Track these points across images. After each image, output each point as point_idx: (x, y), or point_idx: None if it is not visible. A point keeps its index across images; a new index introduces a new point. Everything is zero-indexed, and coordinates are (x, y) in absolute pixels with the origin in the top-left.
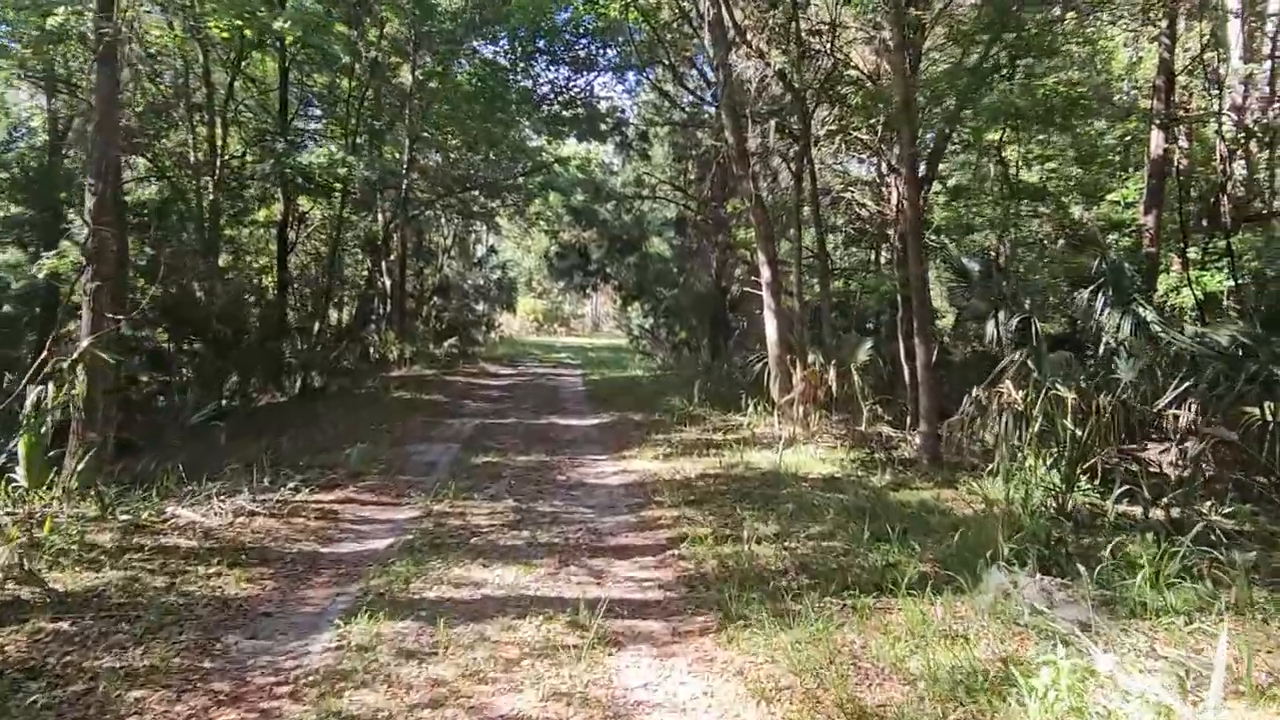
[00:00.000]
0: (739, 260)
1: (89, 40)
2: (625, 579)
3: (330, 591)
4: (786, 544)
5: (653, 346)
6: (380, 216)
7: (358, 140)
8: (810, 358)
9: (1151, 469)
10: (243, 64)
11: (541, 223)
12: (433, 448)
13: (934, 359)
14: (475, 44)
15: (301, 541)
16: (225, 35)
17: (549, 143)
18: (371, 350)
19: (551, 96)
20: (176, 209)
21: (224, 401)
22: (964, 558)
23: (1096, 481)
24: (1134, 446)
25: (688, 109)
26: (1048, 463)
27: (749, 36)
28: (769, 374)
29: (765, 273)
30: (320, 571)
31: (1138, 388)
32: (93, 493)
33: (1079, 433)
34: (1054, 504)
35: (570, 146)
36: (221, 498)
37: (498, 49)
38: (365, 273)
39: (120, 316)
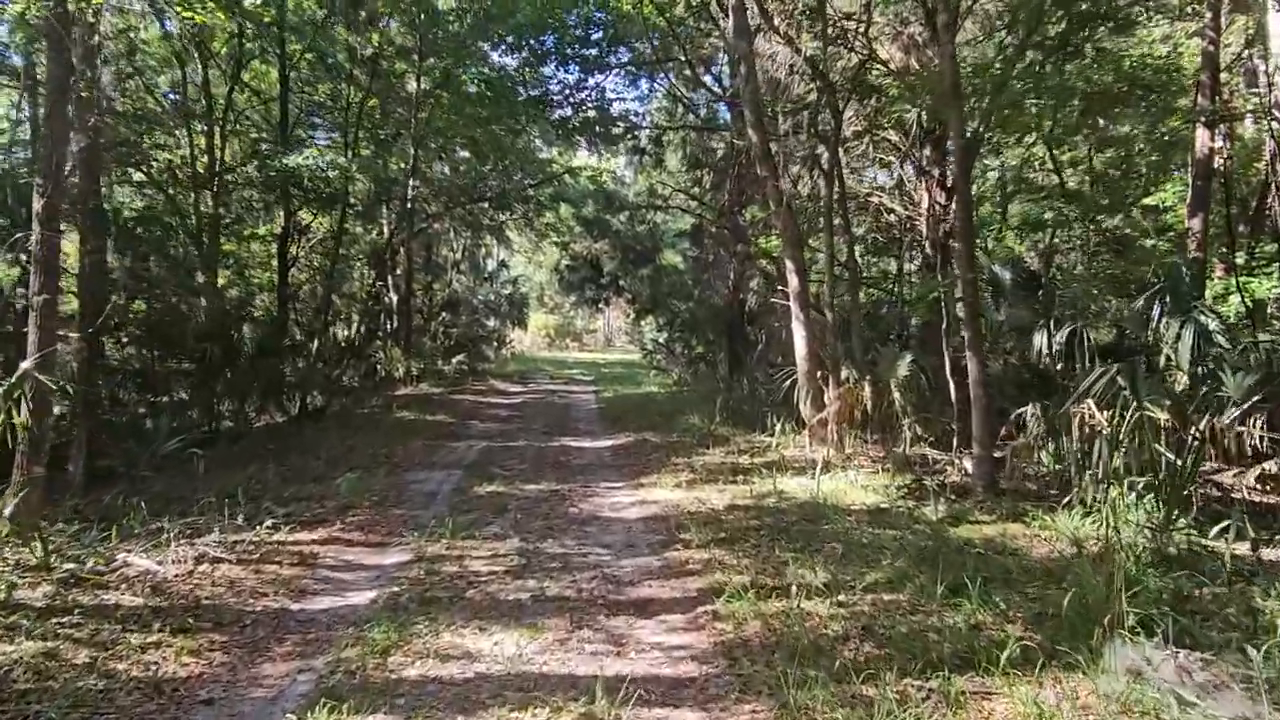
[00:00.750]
0: (757, 271)
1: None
2: (651, 646)
3: (291, 667)
4: (842, 598)
5: (668, 361)
6: (385, 229)
7: (360, 148)
8: (843, 373)
9: (1233, 494)
10: (243, 74)
11: (553, 234)
12: (433, 475)
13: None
14: (483, 45)
15: (269, 596)
16: (199, 18)
17: (559, 153)
18: (378, 367)
19: (561, 99)
20: (167, 221)
21: (214, 424)
22: (1068, 619)
23: (1186, 513)
24: (1211, 469)
25: (702, 113)
26: (1137, 494)
27: (776, 22)
28: (798, 391)
29: (793, 281)
30: (284, 638)
31: (1204, 402)
32: (35, 537)
33: (1175, 459)
34: (1151, 543)
35: (581, 158)
36: (185, 540)
37: (504, 53)
38: (371, 288)
39: (72, 334)
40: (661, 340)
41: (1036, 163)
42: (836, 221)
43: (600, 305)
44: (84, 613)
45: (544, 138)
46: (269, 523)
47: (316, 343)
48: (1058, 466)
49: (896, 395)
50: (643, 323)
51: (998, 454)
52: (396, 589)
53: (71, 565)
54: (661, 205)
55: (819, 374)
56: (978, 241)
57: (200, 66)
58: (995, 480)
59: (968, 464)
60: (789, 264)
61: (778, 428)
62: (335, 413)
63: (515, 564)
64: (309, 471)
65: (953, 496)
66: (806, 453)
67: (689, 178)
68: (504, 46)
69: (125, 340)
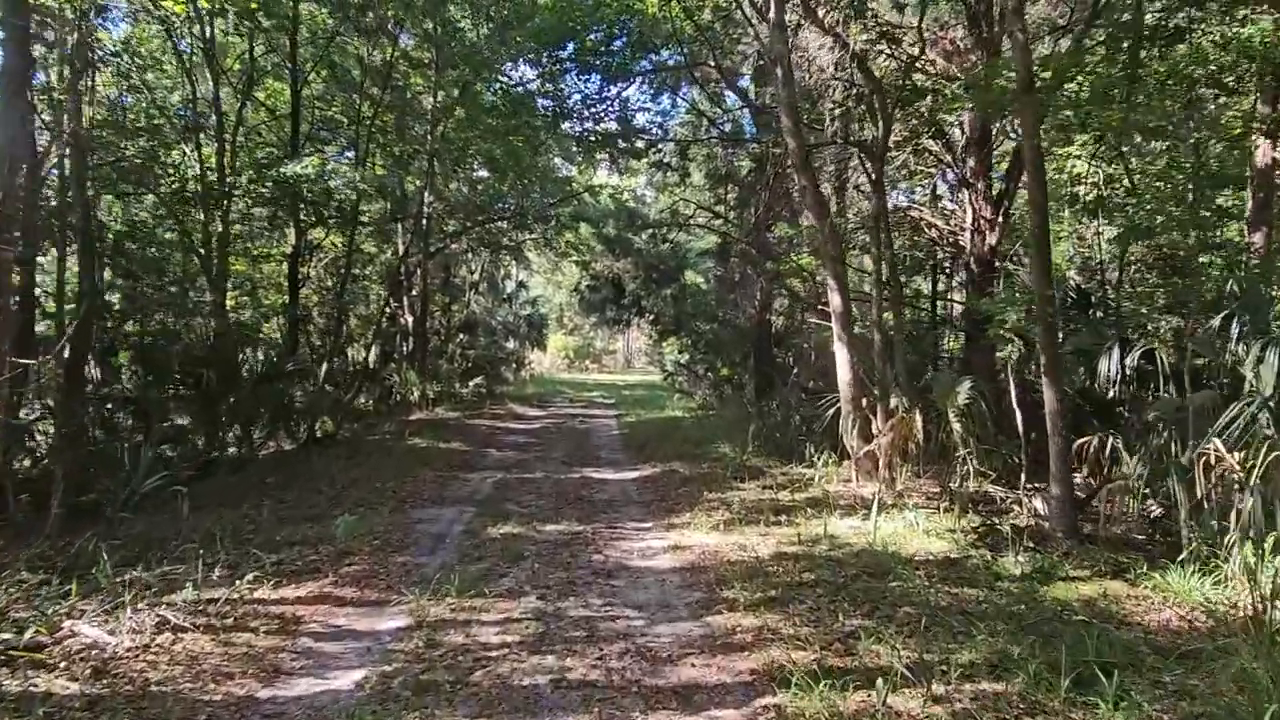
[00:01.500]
0: (784, 291)
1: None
2: None
3: None
4: (936, 688)
5: (691, 384)
6: (401, 248)
7: (374, 163)
8: (892, 400)
9: None
10: (255, 90)
11: (573, 253)
12: (443, 513)
13: (1063, 403)
14: (500, 55)
15: (234, 679)
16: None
17: (580, 171)
18: (393, 391)
19: (581, 110)
20: (164, 237)
21: (214, 454)
22: None
23: None
24: None
25: (727, 127)
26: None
27: (820, 13)
28: (842, 420)
29: (834, 299)
30: None
31: None
32: None
33: None
34: None
35: (602, 176)
36: (151, 598)
37: (523, 64)
38: (386, 309)
39: (27, 361)
40: (683, 362)
41: (1079, 174)
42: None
43: (622, 326)
44: (4, 704)
45: (563, 155)
46: (251, 575)
47: (326, 366)
48: (1154, 511)
49: (956, 426)
50: (664, 344)
51: (1085, 495)
52: (389, 667)
53: (8, 635)
54: (685, 223)
55: (864, 400)
56: (1014, 260)
57: (211, 82)
58: (1077, 525)
59: (1038, 504)
60: (830, 281)
61: (819, 459)
62: (345, 439)
63: (531, 632)
64: (308, 508)
65: (1030, 544)
66: (853, 488)
67: (713, 195)
68: (522, 58)
69: (119, 366)
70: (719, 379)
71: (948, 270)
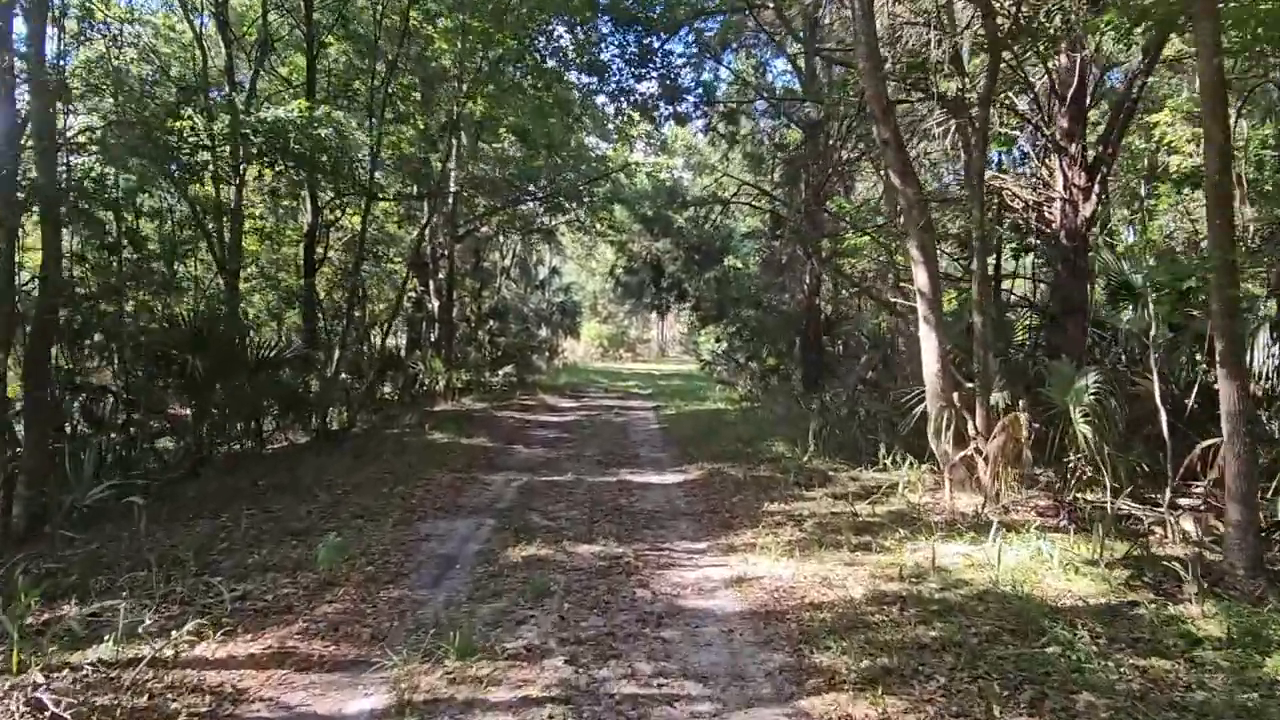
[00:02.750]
0: (838, 274)
1: None
2: None
3: None
4: None
5: (732, 374)
6: (426, 230)
7: (390, 130)
8: (994, 395)
9: None
10: (268, 59)
11: (610, 233)
12: (456, 526)
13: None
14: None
15: None
16: None
17: (616, 150)
18: (418, 380)
19: (620, 69)
20: (154, 207)
21: (206, 450)
22: None
23: None
24: None
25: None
26: None
27: None
28: (933, 420)
29: (920, 276)
30: None
31: None
32: None
33: None
34: None
35: (638, 155)
36: (55, 653)
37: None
38: (411, 293)
39: None
40: (721, 351)
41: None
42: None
43: (662, 311)
44: None
45: (599, 133)
46: (193, 624)
47: (339, 352)
48: None
49: (1084, 428)
50: (701, 333)
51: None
52: None
53: None
54: (728, 201)
55: (956, 395)
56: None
57: (225, 50)
58: (1261, 559)
59: (1189, 526)
60: (915, 254)
61: (902, 465)
62: (361, 433)
63: None
64: (297, 519)
65: (1204, 581)
66: (945, 501)
67: (756, 173)
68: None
69: (93, 353)
70: (764, 369)
71: (1018, 246)
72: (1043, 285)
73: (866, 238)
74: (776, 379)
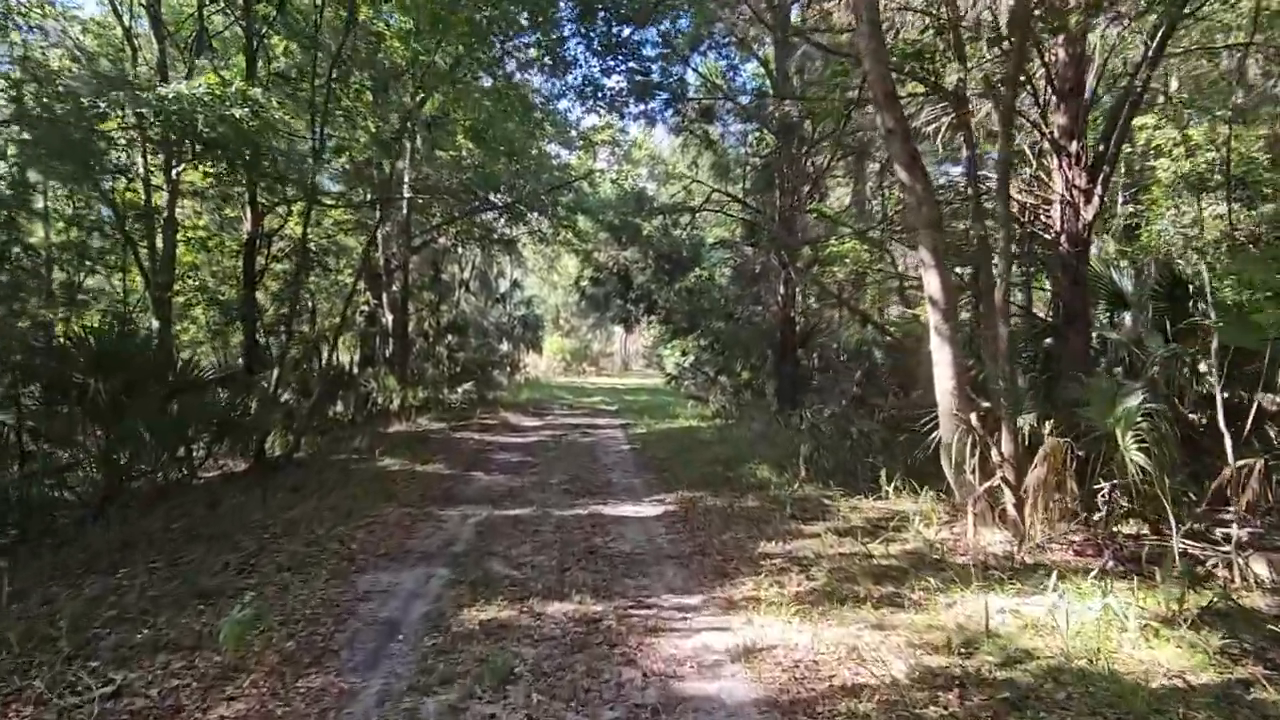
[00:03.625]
0: (814, 284)
1: None
2: None
3: None
4: None
5: (702, 389)
6: (380, 240)
7: (343, 138)
8: (1020, 420)
9: None
10: (200, 58)
11: (574, 240)
12: (402, 580)
13: None
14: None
15: None
16: None
17: (579, 160)
18: (373, 398)
19: (588, 58)
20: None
21: (120, 483)
22: None
23: None
24: None
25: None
26: None
27: None
28: (948, 444)
29: (932, 282)
30: None
31: None
32: None
33: None
34: None
35: (602, 163)
36: None
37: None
38: (363, 307)
39: None
40: (687, 365)
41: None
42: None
43: (631, 323)
44: None
45: (561, 139)
46: None
47: (277, 371)
48: None
49: (1137, 456)
50: (666, 346)
51: None
52: None
53: None
54: (699, 208)
55: (972, 417)
56: (1115, 237)
57: (157, 46)
58: None
59: (1260, 568)
60: (925, 256)
61: (906, 493)
62: (306, 459)
63: None
64: (211, 574)
65: None
66: (968, 538)
67: (725, 181)
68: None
69: None
70: (738, 384)
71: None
72: (1037, 293)
73: (849, 245)
74: (750, 394)
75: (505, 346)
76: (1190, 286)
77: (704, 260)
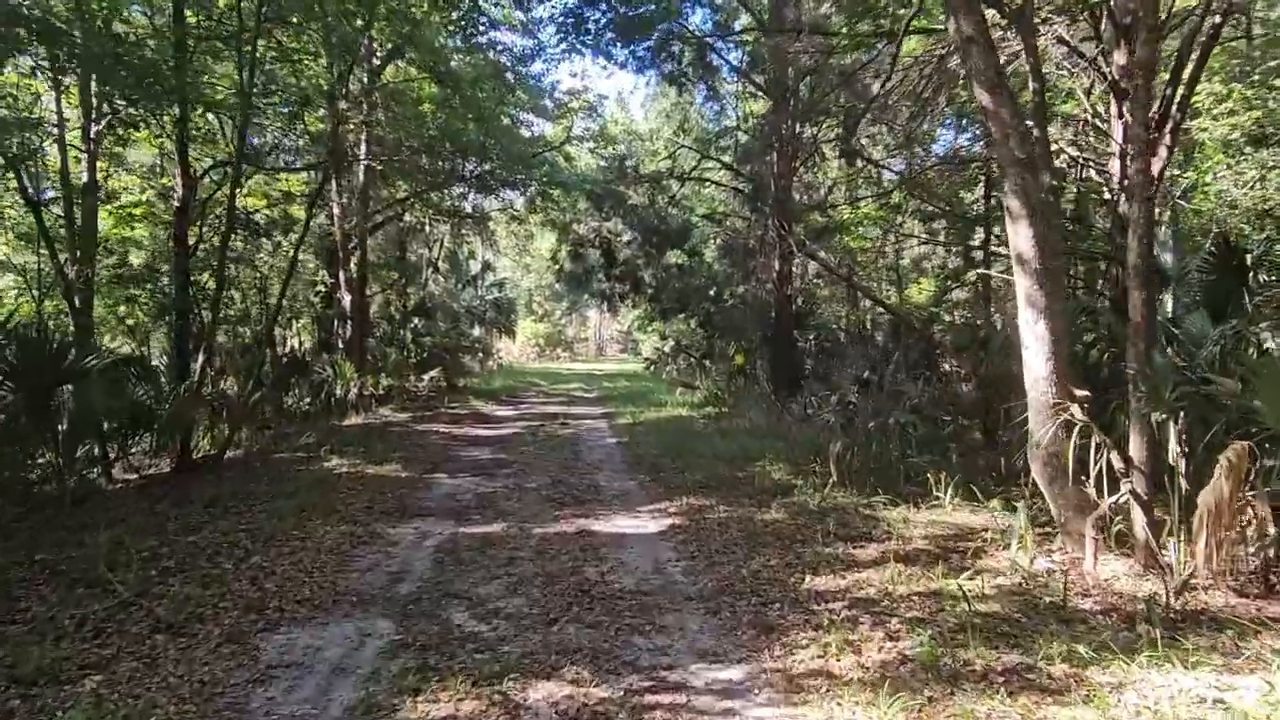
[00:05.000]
0: (812, 258)
1: None
2: None
3: None
4: None
5: (685, 374)
6: (336, 213)
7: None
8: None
9: None
10: None
11: (552, 205)
12: (323, 642)
13: None
14: None
15: None
16: None
17: (556, 126)
18: (326, 387)
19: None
20: None
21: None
22: None
23: None
24: None
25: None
26: None
27: None
28: (1039, 443)
29: (1021, 236)
30: None
31: None
32: None
33: None
34: None
35: (580, 126)
36: None
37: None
38: (322, 287)
39: None
40: (667, 349)
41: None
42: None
43: (614, 303)
44: None
45: (533, 107)
46: None
47: (201, 357)
48: None
49: None
50: (646, 329)
51: None
52: None
53: None
54: (687, 176)
55: (1073, 410)
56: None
57: None
58: None
59: None
60: (1013, 204)
61: (982, 507)
62: (242, 458)
63: None
64: (45, 641)
65: None
66: (1086, 570)
67: (706, 153)
68: None
69: None
70: (733, 368)
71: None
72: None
73: (864, 209)
74: (743, 380)
75: (477, 331)
76: (1249, 256)
77: (694, 234)
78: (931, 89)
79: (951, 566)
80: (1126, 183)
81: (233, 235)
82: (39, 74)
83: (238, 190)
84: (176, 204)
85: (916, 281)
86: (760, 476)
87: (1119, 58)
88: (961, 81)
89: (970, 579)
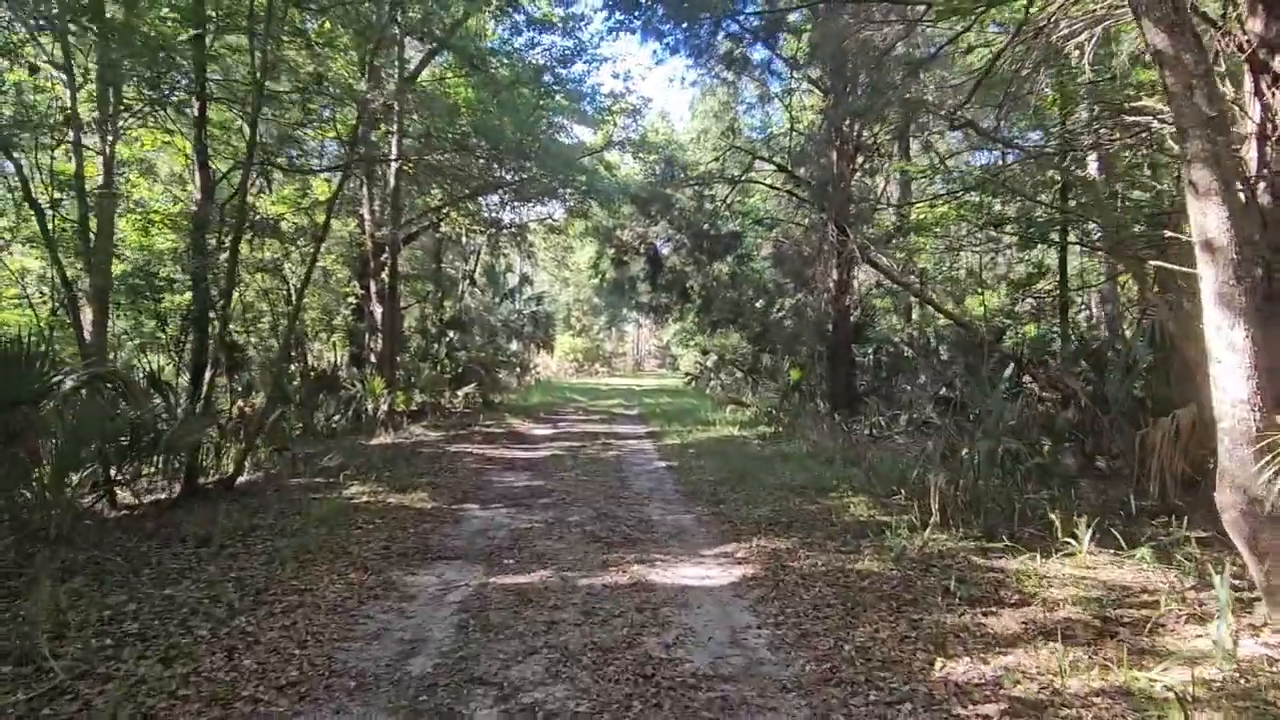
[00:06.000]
0: (874, 264)
1: None
2: None
3: None
4: None
5: (730, 390)
6: (367, 219)
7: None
8: None
9: None
10: None
11: (595, 209)
12: None
13: None
14: None
15: None
16: None
17: (600, 132)
18: (355, 403)
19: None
20: None
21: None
22: None
23: None
24: None
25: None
26: None
27: None
28: (1236, 477)
29: (1211, 217)
30: None
31: None
32: None
33: None
34: None
35: (622, 131)
36: None
37: None
38: (353, 299)
39: None
40: (709, 364)
41: None
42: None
43: (661, 314)
44: None
45: (575, 115)
46: None
47: (210, 371)
48: None
49: None
50: (689, 344)
51: None
52: None
53: None
54: (739, 179)
55: None
56: None
57: None
58: None
59: None
60: (1198, 177)
61: (1129, 556)
62: (258, 482)
63: None
64: None
65: None
66: None
67: (771, 147)
68: None
69: None
70: (786, 385)
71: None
72: None
73: (940, 209)
74: (798, 397)
75: (515, 346)
76: None
77: (747, 240)
78: (1031, 64)
79: (1128, 647)
80: (1267, 171)
81: (254, 242)
82: (50, 63)
83: (261, 195)
84: (194, 207)
85: (977, 292)
86: (837, 510)
87: (1255, 25)
88: (1064, 57)
89: (1163, 669)
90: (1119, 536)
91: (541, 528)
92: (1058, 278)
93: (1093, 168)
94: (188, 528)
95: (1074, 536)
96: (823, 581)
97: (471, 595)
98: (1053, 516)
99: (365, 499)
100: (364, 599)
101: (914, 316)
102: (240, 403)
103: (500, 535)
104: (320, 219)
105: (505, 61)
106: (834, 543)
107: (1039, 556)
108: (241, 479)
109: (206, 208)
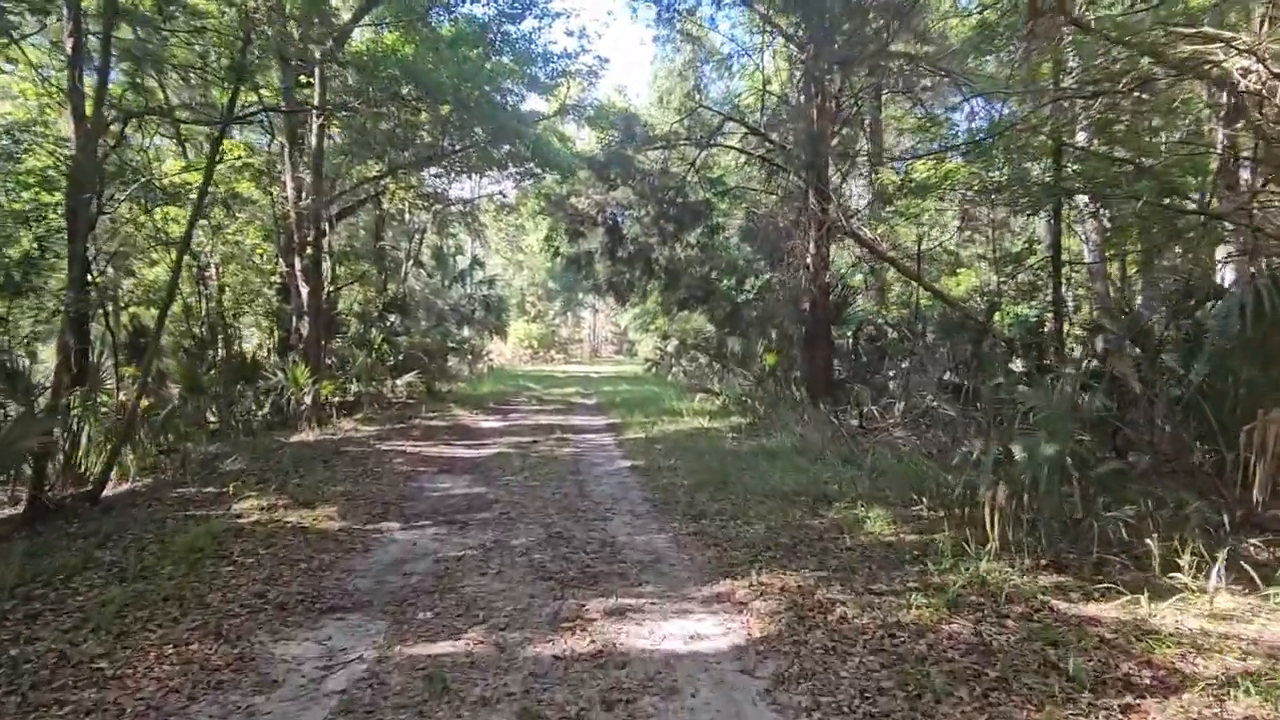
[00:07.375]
0: (856, 236)
1: None
2: None
3: None
4: None
5: (694, 377)
6: (290, 186)
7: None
8: None
9: None
10: None
11: (547, 180)
12: None
13: None
14: None
15: None
16: None
17: (555, 97)
18: (277, 393)
19: None
20: None
21: None
22: None
23: None
24: None
25: None
26: None
27: None
28: None
29: None
30: None
31: None
32: None
33: None
34: None
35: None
36: None
37: None
38: (278, 278)
39: None
40: (670, 349)
41: None
42: None
43: (624, 293)
44: None
45: (524, 80)
46: None
47: (59, 357)
48: None
49: None
50: (647, 328)
51: None
52: None
53: None
54: (707, 143)
55: None
56: None
57: None
58: None
59: None
60: None
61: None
62: (130, 494)
63: None
64: None
65: None
66: None
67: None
68: None
69: None
70: (761, 371)
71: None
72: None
73: (947, 168)
74: (774, 384)
75: (466, 332)
76: None
77: (716, 212)
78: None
79: None
80: None
81: (149, 208)
82: None
83: (166, 157)
84: (70, 156)
85: (954, 273)
86: (849, 527)
87: None
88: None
89: None
90: (1252, 573)
91: (476, 557)
92: (1050, 253)
93: (1080, 137)
94: (2, 568)
95: (1175, 567)
96: (863, 646)
97: (362, 679)
98: (1149, 541)
99: (256, 517)
100: (199, 692)
101: (889, 296)
102: (122, 396)
103: (420, 570)
104: (238, 186)
105: (447, 17)
106: (859, 577)
107: (1145, 599)
108: (119, 489)
109: (84, 163)
